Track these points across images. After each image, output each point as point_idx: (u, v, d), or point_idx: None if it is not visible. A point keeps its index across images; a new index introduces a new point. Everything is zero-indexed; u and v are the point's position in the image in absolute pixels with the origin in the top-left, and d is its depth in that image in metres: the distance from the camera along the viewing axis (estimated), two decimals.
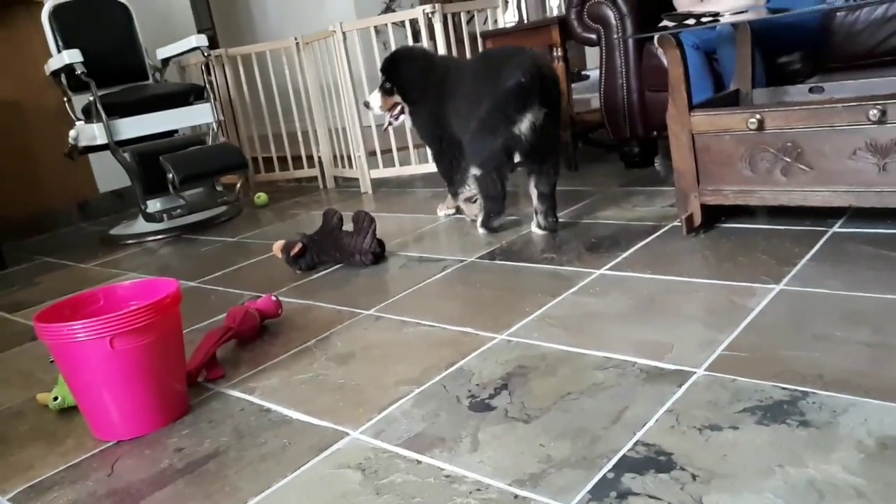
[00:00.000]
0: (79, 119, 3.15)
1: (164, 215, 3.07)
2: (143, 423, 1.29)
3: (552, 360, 1.30)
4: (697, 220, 1.84)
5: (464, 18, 3.30)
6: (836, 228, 1.72)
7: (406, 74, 2.37)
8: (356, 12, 4.97)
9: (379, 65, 2.47)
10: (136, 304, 1.38)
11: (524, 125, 1.97)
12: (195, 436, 1.25)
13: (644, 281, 1.61)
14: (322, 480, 1.05)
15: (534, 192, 2.12)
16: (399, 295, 1.79)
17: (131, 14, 3.44)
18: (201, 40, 3.31)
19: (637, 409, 1.09)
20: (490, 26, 3.52)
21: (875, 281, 1.39)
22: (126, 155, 3.07)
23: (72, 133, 3.18)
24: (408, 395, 1.26)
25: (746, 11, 2.13)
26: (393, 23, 3.19)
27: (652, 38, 2.43)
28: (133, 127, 3.09)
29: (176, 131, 3.41)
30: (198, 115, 3.28)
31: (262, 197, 3.49)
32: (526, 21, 3.24)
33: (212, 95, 3.33)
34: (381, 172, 3.37)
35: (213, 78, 3.50)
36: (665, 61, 1.86)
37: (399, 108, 2.44)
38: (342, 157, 3.58)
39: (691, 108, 1.79)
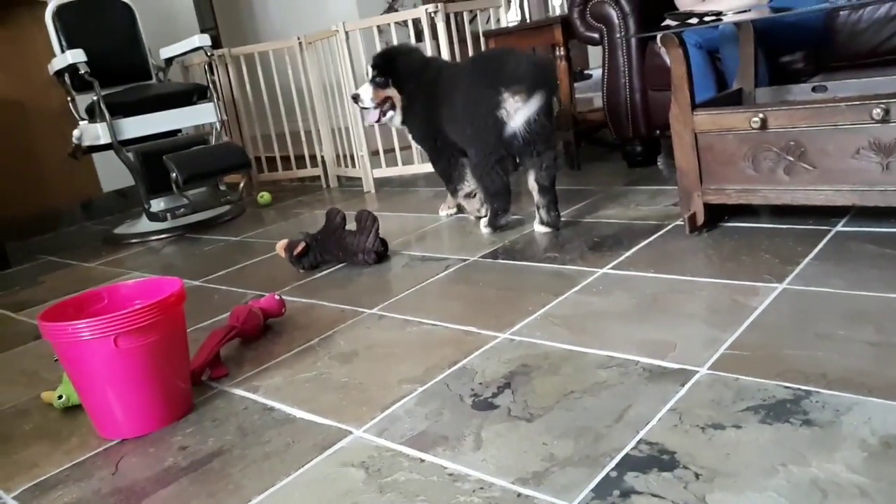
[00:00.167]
0: (82, 119, 3.15)
1: (168, 214, 3.08)
2: (148, 421, 1.29)
3: (555, 359, 1.30)
4: (700, 219, 1.84)
5: (466, 18, 3.30)
6: (839, 227, 1.71)
7: (403, 68, 2.36)
8: (359, 12, 4.97)
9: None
10: (140, 303, 1.39)
11: (520, 118, 2.00)
12: (199, 434, 1.26)
13: (647, 280, 1.61)
14: (326, 479, 1.05)
15: (534, 188, 2.12)
16: (402, 294, 1.79)
17: (135, 14, 3.44)
18: (204, 40, 3.31)
19: (640, 408, 1.09)
20: (493, 26, 3.51)
21: (878, 280, 1.39)
22: (130, 154, 3.08)
23: (75, 133, 3.18)
24: (411, 394, 1.26)
25: (749, 10, 2.12)
26: (395, 22, 3.19)
27: (655, 37, 2.44)
28: (136, 126, 3.10)
29: (179, 131, 3.42)
30: (201, 115, 3.28)
31: (265, 196, 3.49)
32: (528, 20, 3.24)
33: (215, 95, 3.33)
34: (384, 172, 3.38)
35: (216, 77, 3.51)
36: (668, 60, 1.86)
37: (389, 102, 2.41)
38: (345, 156, 3.58)
39: (694, 107, 1.79)
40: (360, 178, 3.45)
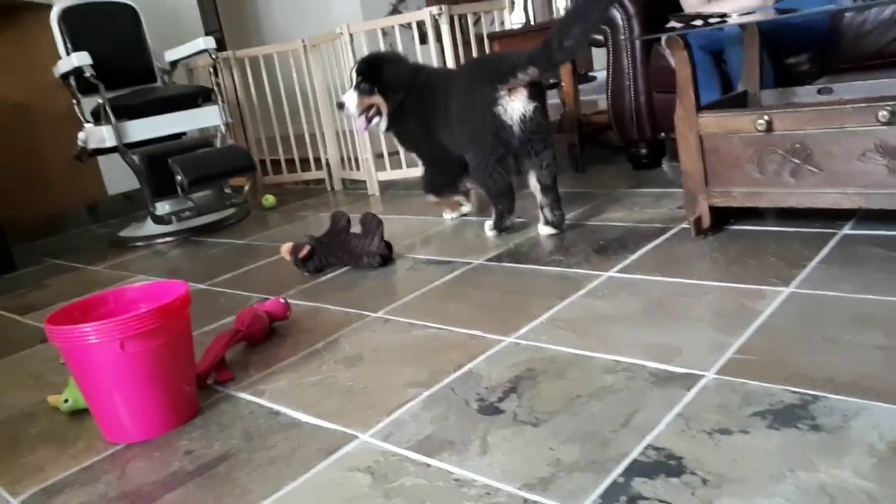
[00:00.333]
0: (88, 121, 3.16)
1: (173, 217, 3.09)
2: (154, 425, 1.29)
3: (561, 363, 1.30)
4: (706, 222, 1.84)
5: (471, 20, 3.30)
6: (845, 230, 1.71)
7: (388, 75, 2.35)
8: (363, 14, 4.98)
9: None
10: (145, 306, 1.39)
11: (515, 116, 2.03)
12: (205, 438, 1.26)
13: (653, 283, 1.60)
14: (331, 483, 1.05)
15: (536, 188, 2.12)
16: (407, 297, 1.79)
17: (139, 16, 3.45)
18: (209, 42, 3.32)
19: (646, 413, 1.09)
20: (497, 28, 3.51)
21: (886, 283, 1.39)
22: (135, 157, 3.09)
23: (81, 135, 3.20)
24: (416, 398, 1.26)
25: (754, 12, 2.12)
26: (400, 24, 3.20)
27: (659, 39, 2.43)
28: (142, 129, 3.11)
29: (184, 133, 3.43)
30: (206, 118, 3.29)
31: (269, 199, 3.50)
32: (533, 22, 3.24)
33: (220, 97, 3.34)
34: (389, 174, 3.38)
35: (220, 80, 3.52)
36: (672, 62, 1.85)
37: (374, 109, 2.41)
38: (349, 159, 3.59)
39: (699, 109, 1.79)
40: (364, 181, 3.46)
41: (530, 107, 2.03)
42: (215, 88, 3.35)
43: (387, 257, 2.11)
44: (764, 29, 2.09)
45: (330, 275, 2.12)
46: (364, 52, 3.22)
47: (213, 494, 1.08)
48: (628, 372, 1.22)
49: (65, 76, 3.07)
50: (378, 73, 2.36)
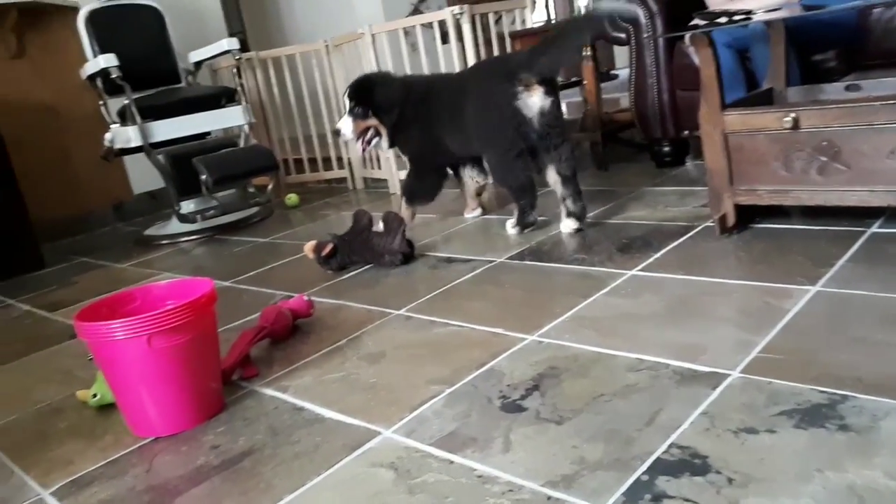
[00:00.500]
0: (114, 122, 3.21)
1: (198, 216, 3.12)
2: (180, 420, 1.31)
3: (584, 362, 1.29)
4: (731, 220, 1.82)
5: (492, 19, 3.30)
6: (874, 229, 1.68)
7: (380, 96, 2.35)
8: (384, 14, 4.99)
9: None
10: (172, 303, 1.40)
11: (535, 109, 2.07)
12: (230, 433, 1.27)
13: (677, 282, 1.59)
14: (355, 479, 1.06)
15: (557, 181, 2.13)
16: (429, 295, 1.80)
17: (164, 18, 3.50)
18: (232, 43, 3.35)
19: (671, 412, 1.08)
20: (518, 27, 3.51)
21: None
22: (160, 157, 3.13)
23: (107, 136, 3.25)
24: (439, 395, 1.26)
25: (780, 9, 2.09)
26: (421, 24, 3.20)
27: (683, 36, 2.41)
28: (167, 129, 3.15)
29: (208, 133, 3.47)
30: (230, 118, 3.33)
31: (292, 198, 3.53)
32: (554, 21, 3.23)
33: (243, 98, 3.37)
34: None
35: (244, 81, 3.55)
36: (696, 60, 1.84)
37: (372, 131, 2.41)
38: (371, 158, 3.60)
39: (724, 107, 1.77)
40: (385, 180, 3.47)
41: (547, 101, 2.07)
42: (239, 89, 3.39)
43: (408, 255, 2.11)
44: (790, 25, 2.06)
45: (352, 272, 2.13)
46: (386, 52, 3.25)
47: (239, 489, 1.09)
48: (652, 370, 1.22)
49: (92, 77, 3.12)
50: (369, 95, 2.35)
